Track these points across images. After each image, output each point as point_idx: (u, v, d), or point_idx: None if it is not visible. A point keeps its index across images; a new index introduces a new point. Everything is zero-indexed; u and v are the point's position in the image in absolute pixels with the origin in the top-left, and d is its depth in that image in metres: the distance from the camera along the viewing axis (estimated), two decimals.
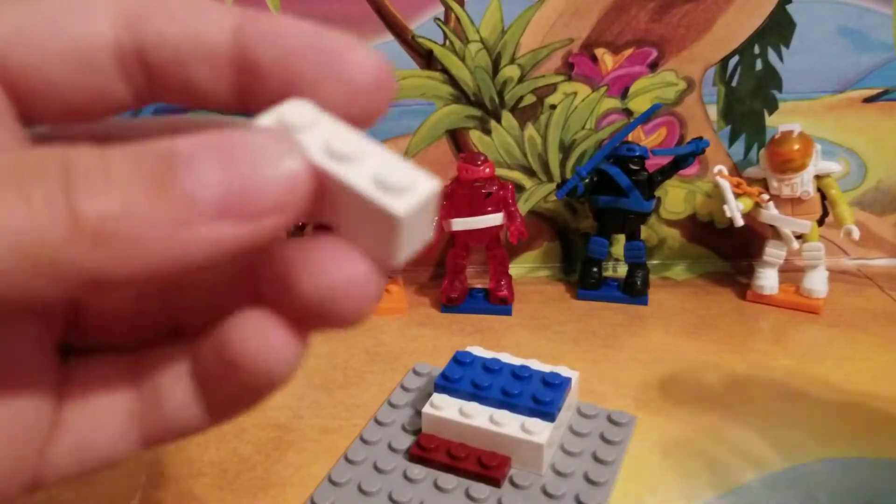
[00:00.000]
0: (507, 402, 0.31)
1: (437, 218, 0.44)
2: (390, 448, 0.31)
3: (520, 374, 0.32)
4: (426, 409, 0.31)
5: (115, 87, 0.16)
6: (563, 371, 0.32)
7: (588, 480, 0.29)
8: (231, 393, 0.16)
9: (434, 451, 0.30)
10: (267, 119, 0.15)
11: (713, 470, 0.31)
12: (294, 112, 0.15)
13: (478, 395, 0.31)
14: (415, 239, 0.15)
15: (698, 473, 0.31)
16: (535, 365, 0.33)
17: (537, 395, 0.30)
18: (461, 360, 0.33)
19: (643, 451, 0.32)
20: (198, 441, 0.33)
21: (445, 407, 0.31)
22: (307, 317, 0.15)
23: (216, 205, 0.13)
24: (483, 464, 0.29)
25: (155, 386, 0.17)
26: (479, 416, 0.30)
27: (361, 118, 0.16)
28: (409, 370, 0.37)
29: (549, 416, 0.30)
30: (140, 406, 0.17)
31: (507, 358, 0.33)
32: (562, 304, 0.47)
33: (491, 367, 0.32)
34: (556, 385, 0.31)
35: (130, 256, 0.13)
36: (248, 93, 0.16)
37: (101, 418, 0.17)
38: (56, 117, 0.17)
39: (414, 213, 0.14)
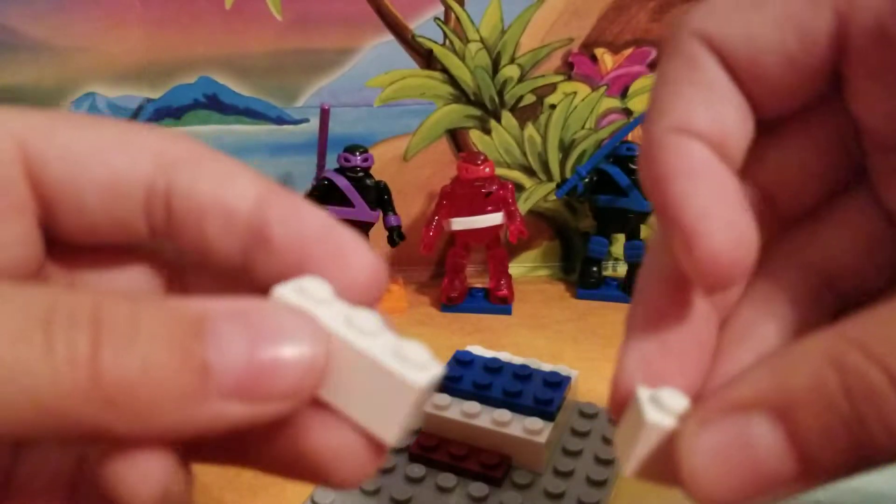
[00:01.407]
0: (508, 401, 0.30)
1: (437, 217, 0.45)
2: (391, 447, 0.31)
3: (520, 374, 0.32)
4: (427, 408, 0.31)
5: (137, 222, 0.17)
6: (564, 370, 0.32)
7: (589, 480, 0.29)
8: None
9: (435, 451, 0.30)
10: (288, 288, 0.15)
11: None
12: (313, 286, 0.15)
13: (479, 394, 0.31)
14: (409, 418, 0.15)
15: None
16: (535, 364, 0.33)
17: (538, 395, 0.30)
18: (462, 360, 0.33)
19: None
20: None
21: (446, 406, 0.31)
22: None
23: (234, 383, 0.13)
24: (484, 463, 0.29)
25: None
26: (479, 416, 0.30)
27: None
28: None
29: (549, 415, 0.30)
30: None
31: (507, 357, 0.33)
32: (561, 304, 0.47)
33: (492, 366, 0.32)
34: (557, 385, 0.31)
35: (139, 421, 0.13)
36: (255, 259, 0.16)
37: None
38: (74, 234, 0.17)
39: (427, 389, 0.15)
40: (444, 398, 0.31)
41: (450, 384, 0.32)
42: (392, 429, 0.15)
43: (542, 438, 0.29)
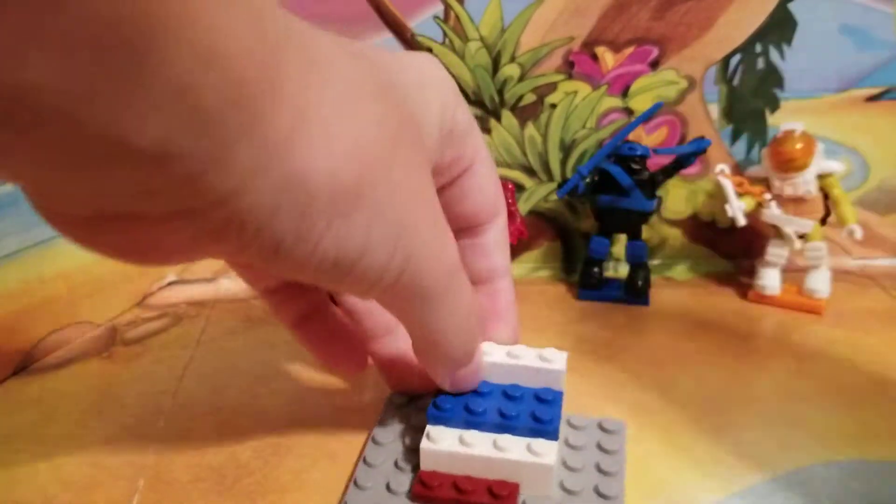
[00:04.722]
0: (506, 424, 0.29)
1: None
2: (389, 490, 0.29)
3: (512, 394, 0.30)
4: (424, 443, 0.29)
5: None
6: (554, 384, 0.31)
7: (599, 494, 0.28)
8: None
9: (439, 488, 0.28)
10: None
11: (716, 473, 0.31)
12: (488, 346, 0.31)
13: (474, 421, 0.29)
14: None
15: (701, 476, 0.31)
16: (525, 382, 0.31)
17: (537, 414, 0.29)
18: None
19: (646, 455, 0.32)
20: (196, 445, 0.33)
21: (444, 439, 0.28)
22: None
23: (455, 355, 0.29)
24: (494, 493, 0.27)
25: None
26: (481, 444, 0.28)
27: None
28: (385, 402, 0.34)
29: (551, 434, 0.28)
30: None
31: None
32: (562, 305, 0.47)
33: (480, 389, 0.30)
34: (551, 401, 0.29)
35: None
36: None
37: None
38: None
39: (564, 371, 0.30)
40: (438, 430, 0.29)
41: (440, 414, 0.29)
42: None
43: (551, 460, 0.27)
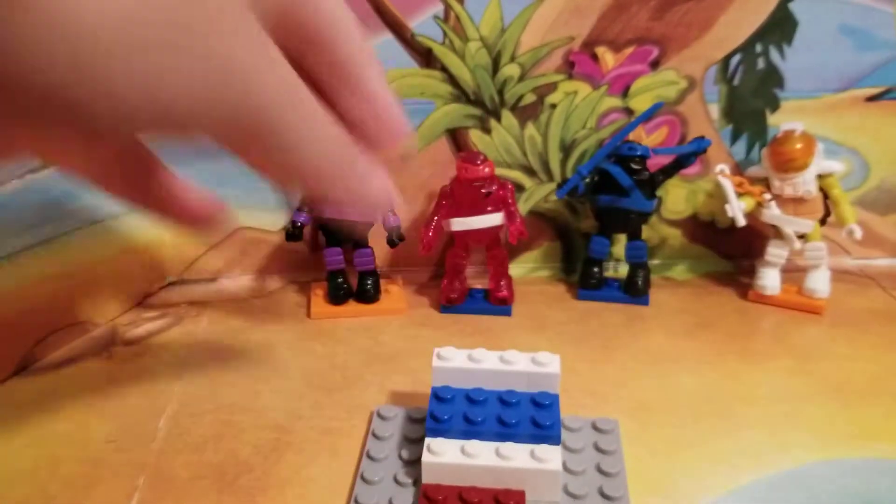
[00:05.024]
0: (507, 432, 0.28)
1: (436, 217, 0.44)
2: None
3: (508, 400, 0.30)
4: (426, 456, 0.28)
5: None
6: (549, 386, 0.30)
7: (604, 496, 0.28)
8: None
9: (444, 501, 0.28)
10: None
11: (715, 471, 0.31)
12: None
13: (474, 430, 0.29)
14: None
15: (700, 475, 0.31)
16: (519, 387, 0.31)
17: (538, 420, 0.28)
18: (442, 396, 0.30)
19: (646, 454, 0.32)
20: (196, 443, 0.33)
21: (445, 451, 0.28)
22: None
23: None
24: (500, 502, 0.27)
25: None
26: (483, 454, 0.28)
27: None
28: (374, 416, 0.34)
29: (553, 439, 0.28)
30: None
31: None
32: (562, 305, 0.47)
33: (475, 398, 0.30)
34: (549, 405, 0.29)
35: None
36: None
37: None
38: None
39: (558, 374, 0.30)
40: (438, 442, 0.28)
41: (439, 426, 0.29)
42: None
43: (557, 465, 0.27)
